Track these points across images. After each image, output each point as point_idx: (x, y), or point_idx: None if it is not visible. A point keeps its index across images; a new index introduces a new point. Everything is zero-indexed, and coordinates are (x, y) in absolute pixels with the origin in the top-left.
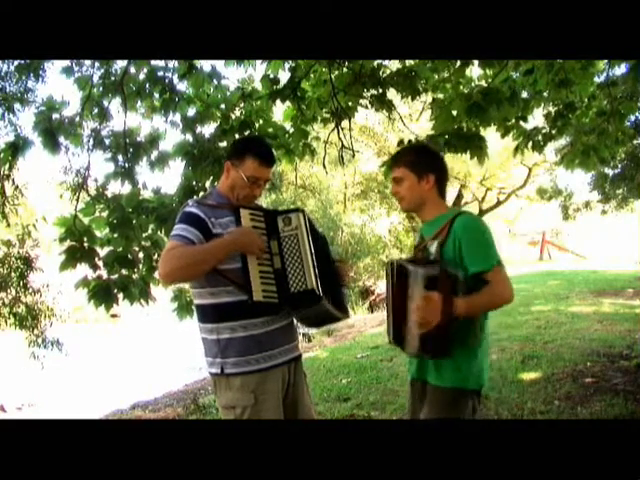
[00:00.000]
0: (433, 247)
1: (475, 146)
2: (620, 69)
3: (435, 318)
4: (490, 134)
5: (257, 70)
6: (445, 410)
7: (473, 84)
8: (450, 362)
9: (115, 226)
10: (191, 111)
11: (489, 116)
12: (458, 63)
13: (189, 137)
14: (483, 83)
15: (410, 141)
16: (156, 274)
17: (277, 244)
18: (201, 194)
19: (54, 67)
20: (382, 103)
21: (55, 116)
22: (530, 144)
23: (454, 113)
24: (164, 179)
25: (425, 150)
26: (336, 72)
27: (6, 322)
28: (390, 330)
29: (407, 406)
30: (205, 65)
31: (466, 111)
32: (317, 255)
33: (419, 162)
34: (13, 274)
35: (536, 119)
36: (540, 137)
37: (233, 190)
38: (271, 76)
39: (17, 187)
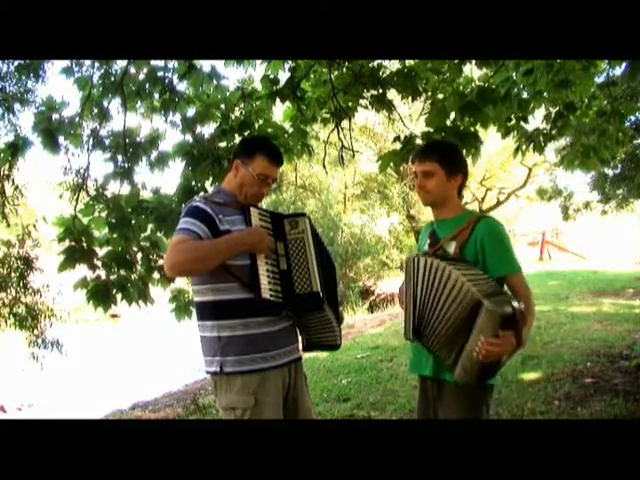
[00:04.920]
0: (451, 247)
1: (470, 144)
2: (620, 69)
3: (505, 354)
4: (490, 134)
5: (257, 70)
6: (472, 407)
7: (473, 84)
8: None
9: (114, 226)
10: (191, 111)
11: (484, 115)
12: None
13: (189, 137)
14: (482, 83)
15: (406, 137)
16: (155, 274)
17: (283, 246)
18: (201, 194)
19: (54, 67)
20: (382, 103)
21: (55, 116)
22: (531, 145)
23: (449, 110)
24: (163, 179)
25: (457, 150)
26: (336, 72)
27: (6, 322)
28: (409, 329)
29: (417, 402)
30: (205, 65)
31: (460, 109)
32: (321, 260)
33: (452, 160)
34: (13, 274)
35: (537, 120)
36: (541, 138)
37: (242, 188)
38: (271, 76)
39: (17, 187)
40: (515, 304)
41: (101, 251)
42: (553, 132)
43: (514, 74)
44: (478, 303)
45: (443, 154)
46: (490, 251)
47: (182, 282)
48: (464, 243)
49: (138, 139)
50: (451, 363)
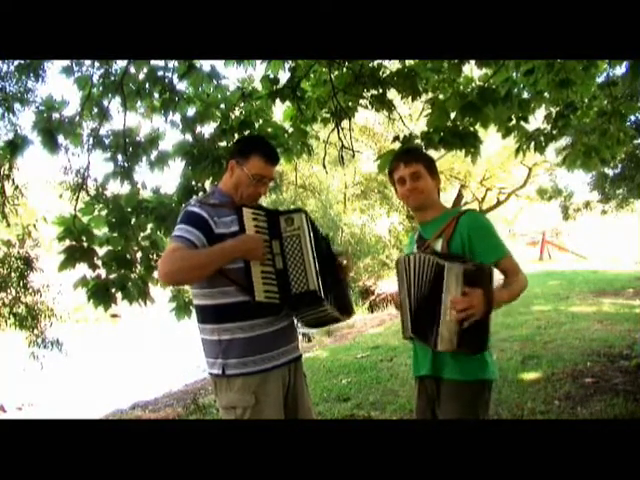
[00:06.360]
0: (438, 245)
1: (469, 144)
2: (621, 69)
3: (478, 313)
4: (490, 134)
5: (257, 70)
6: (471, 404)
7: (473, 84)
8: (472, 356)
9: (114, 225)
10: (191, 111)
11: (484, 115)
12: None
13: (189, 137)
14: (483, 83)
15: (405, 137)
16: (155, 274)
17: (279, 244)
18: (200, 194)
19: (54, 67)
20: (382, 103)
21: (55, 116)
22: (532, 145)
23: (449, 110)
24: (163, 179)
25: (430, 155)
26: (336, 72)
27: (6, 322)
28: (408, 325)
29: (415, 404)
30: (205, 65)
31: (460, 109)
32: (319, 255)
33: (433, 166)
34: (13, 274)
35: (538, 120)
36: (542, 138)
37: (237, 189)
38: (271, 76)
39: (17, 187)
40: (479, 263)
41: (101, 250)
42: (554, 132)
43: (514, 74)
44: (441, 267)
45: (424, 157)
46: (477, 242)
47: None
48: (450, 238)
49: (138, 139)
50: (434, 339)
